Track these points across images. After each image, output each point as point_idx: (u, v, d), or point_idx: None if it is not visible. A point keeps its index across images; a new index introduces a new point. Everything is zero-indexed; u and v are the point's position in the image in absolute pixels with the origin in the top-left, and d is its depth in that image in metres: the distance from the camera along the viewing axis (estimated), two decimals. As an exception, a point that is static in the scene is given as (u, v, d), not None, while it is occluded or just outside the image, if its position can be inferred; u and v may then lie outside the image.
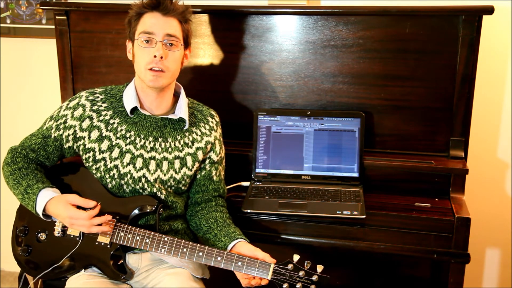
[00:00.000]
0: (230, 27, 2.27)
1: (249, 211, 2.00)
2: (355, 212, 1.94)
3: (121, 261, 1.79)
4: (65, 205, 1.69)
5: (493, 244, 2.54)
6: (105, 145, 1.81)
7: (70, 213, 1.68)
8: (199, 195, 1.93)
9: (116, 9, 2.31)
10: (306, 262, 1.62)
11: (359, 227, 1.95)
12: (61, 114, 1.85)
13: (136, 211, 1.76)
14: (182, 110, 1.86)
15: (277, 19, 2.23)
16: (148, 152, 1.82)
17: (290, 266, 1.62)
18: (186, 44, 1.84)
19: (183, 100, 1.88)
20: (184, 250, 1.69)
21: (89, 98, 1.85)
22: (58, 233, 1.80)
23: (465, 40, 2.07)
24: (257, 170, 2.20)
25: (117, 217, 1.76)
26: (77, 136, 1.83)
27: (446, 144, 2.17)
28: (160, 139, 1.84)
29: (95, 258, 1.77)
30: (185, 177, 1.87)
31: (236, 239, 1.75)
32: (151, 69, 1.75)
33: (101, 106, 1.84)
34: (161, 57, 1.74)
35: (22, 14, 2.74)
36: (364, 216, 1.92)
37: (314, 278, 1.60)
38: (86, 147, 1.82)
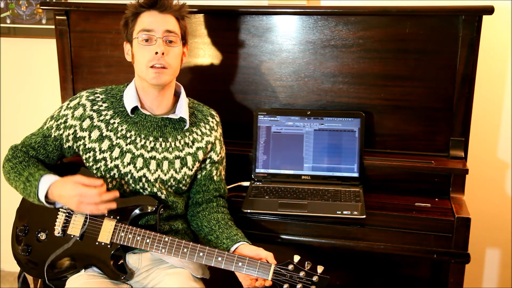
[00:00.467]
0: (230, 27, 2.27)
1: (249, 211, 2.00)
2: (355, 212, 1.94)
3: (121, 261, 1.79)
4: (73, 184, 1.67)
5: (493, 244, 2.54)
6: (105, 145, 1.81)
7: (80, 191, 1.65)
8: (200, 195, 1.93)
9: (116, 9, 2.31)
10: (306, 262, 1.62)
11: (359, 227, 1.95)
12: (62, 113, 1.85)
13: (136, 211, 1.76)
14: (183, 110, 1.86)
15: (277, 19, 2.23)
16: (148, 152, 1.82)
17: (290, 267, 1.62)
18: (184, 40, 1.85)
19: (184, 100, 1.88)
20: (185, 250, 1.69)
21: (89, 98, 1.85)
22: (58, 233, 1.80)
23: (465, 40, 2.07)
24: (257, 170, 2.20)
25: (118, 217, 1.76)
26: (77, 136, 1.83)
27: (446, 144, 2.17)
28: (160, 139, 1.84)
29: (95, 258, 1.77)
30: (186, 177, 1.87)
31: (239, 241, 1.75)
32: (152, 67, 1.75)
33: (101, 106, 1.84)
34: (163, 53, 1.74)
35: (22, 14, 2.74)
36: (364, 216, 1.92)
37: (315, 278, 1.60)
38: (87, 147, 1.82)
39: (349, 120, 2.17)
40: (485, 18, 2.07)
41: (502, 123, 2.42)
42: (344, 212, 1.94)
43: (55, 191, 1.70)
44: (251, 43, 2.26)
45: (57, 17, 2.38)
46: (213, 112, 1.98)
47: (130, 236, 1.73)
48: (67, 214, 1.79)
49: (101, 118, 1.83)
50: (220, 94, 2.32)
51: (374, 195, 2.10)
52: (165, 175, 1.83)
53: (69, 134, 1.83)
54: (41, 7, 2.46)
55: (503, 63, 2.37)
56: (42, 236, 1.82)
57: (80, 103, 1.84)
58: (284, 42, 2.24)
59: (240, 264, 1.65)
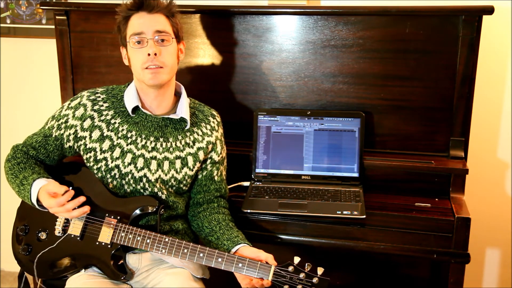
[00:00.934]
0: (230, 27, 2.27)
1: (249, 211, 2.00)
2: (355, 212, 1.94)
3: (121, 261, 1.79)
4: (44, 194, 1.70)
5: (493, 244, 2.54)
6: (106, 145, 1.81)
7: (48, 201, 1.68)
8: (200, 195, 1.93)
9: (116, 9, 2.31)
10: (306, 264, 1.62)
11: (359, 227, 1.95)
12: (63, 113, 1.85)
13: (137, 212, 1.76)
14: (183, 110, 1.86)
15: (277, 19, 2.23)
16: (149, 152, 1.82)
17: (290, 268, 1.62)
18: (178, 38, 1.84)
19: (184, 100, 1.88)
20: (185, 251, 1.69)
21: (90, 98, 1.85)
22: (59, 232, 1.80)
23: (465, 40, 2.07)
24: (257, 170, 2.20)
25: (118, 217, 1.76)
26: (78, 135, 1.83)
27: (446, 144, 2.17)
28: (161, 139, 1.84)
29: (95, 258, 1.77)
30: (186, 177, 1.87)
31: (239, 243, 1.75)
32: (147, 68, 1.75)
33: (102, 106, 1.84)
34: (155, 54, 1.74)
35: (22, 14, 2.74)
36: (364, 216, 1.92)
37: (315, 280, 1.60)
38: (87, 147, 1.82)
39: (349, 120, 2.17)
40: (485, 18, 2.07)
41: (502, 123, 2.42)
42: (344, 212, 1.94)
43: (40, 198, 1.72)
44: (251, 43, 2.26)
45: (57, 17, 2.38)
46: (214, 112, 1.98)
47: (130, 236, 1.73)
48: (67, 214, 1.79)
49: (102, 118, 1.83)
50: (220, 94, 2.32)
51: (374, 195, 2.10)
52: (166, 175, 1.83)
53: (70, 134, 1.83)
54: (41, 7, 2.46)
55: (503, 63, 2.37)
56: (43, 235, 1.83)
57: (81, 103, 1.84)
58: (284, 42, 2.24)
59: (240, 265, 1.65)
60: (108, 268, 1.75)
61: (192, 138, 1.88)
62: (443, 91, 2.15)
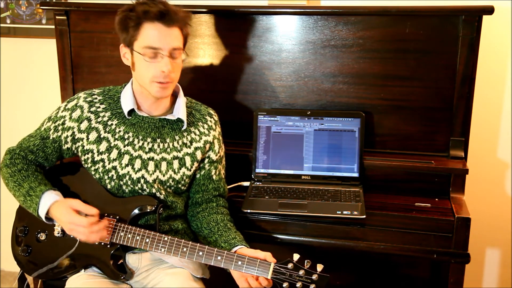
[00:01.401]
0: (230, 27, 2.27)
1: (249, 211, 2.00)
2: (355, 212, 1.94)
3: (121, 261, 1.79)
4: (67, 209, 1.69)
5: (493, 244, 2.54)
6: (103, 146, 1.81)
7: (72, 218, 1.67)
8: (199, 195, 1.92)
9: (116, 9, 2.30)
10: (306, 261, 1.62)
11: (359, 227, 1.95)
12: (59, 115, 1.85)
13: (136, 211, 1.76)
14: (180, 110, 1.85)
15: (277, 19, 2.23)
16: (146, 153, 1.82)
17: (290, 265, 1.62)
18: (185, 46, 1.83)
19: (182, 100, 1.87)
20: (184, 249, 1.69)
21: (87, 100, 1.85)
22: (58, 233, 1.80)
23: (465, 40, 2.07)
24: (257, 170, 2.20)
25: (117, 217, 1.76)
26: (76, 137, 1.83)
27: (446, 144, 2.17)
28: (158, 140, 1.84)
29: (95, 258, 1.77)
30: (184, 177, 1.87)
31: (236, 245, 1.74)
32: (158, 82, 1.73)
33: (99, 107, 1.84)
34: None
35: (22, 14, 2.74)
36: (364, 216, 1.92)
37: (314, 277, 1.60)
38: (85, 148, 1.82)
39: (349, 120, 2.17)
40: (485, 18, 2.07)
41: (502, 123, 2.42)
42: (344, 212, 1.94)
43: (53, 212, 1.72)
44: (251, 43, 2.26)
45: (57, 17, 2.38)
46: (211, 111, 1.97)
47: (129, 235, 1.73)
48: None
49: (99, 119, 1.82)
50: (220, 94, 2.32)
51: (374, 195, 2.10)
52: (164, 175, 1.83)
53: (67, 136, 1.83)
54: (41, 7, 2.46)
55: (503, 63, 2.37)
56: (42, 236, 1.83)
57: (78, 104, 1.84)
58: (284, 42, 2.24)
59: (239, 263, 1.65)
60: (107, 268, 1.75)
61: (189, 138, 1.88)
62: (443, 91, 2.14)
